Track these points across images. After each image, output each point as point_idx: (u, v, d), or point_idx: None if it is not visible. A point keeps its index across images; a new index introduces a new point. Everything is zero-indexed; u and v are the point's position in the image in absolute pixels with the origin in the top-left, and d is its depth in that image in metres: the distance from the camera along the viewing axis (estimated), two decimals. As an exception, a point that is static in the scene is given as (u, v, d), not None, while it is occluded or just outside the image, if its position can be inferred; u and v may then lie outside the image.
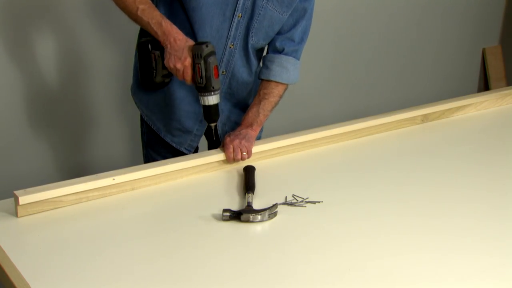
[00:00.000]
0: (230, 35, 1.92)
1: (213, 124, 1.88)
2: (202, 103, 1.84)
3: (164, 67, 1.85)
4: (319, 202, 1.70)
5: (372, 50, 3.75)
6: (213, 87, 1.81)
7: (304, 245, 1.50)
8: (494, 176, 1.92)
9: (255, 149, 1.94)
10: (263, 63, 2.04)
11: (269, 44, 2.03)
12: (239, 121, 2.03)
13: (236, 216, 1.57)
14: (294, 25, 1.99)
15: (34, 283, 1.30)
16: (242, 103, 2.10)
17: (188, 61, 1.79)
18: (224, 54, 1.95)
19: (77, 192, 1.64)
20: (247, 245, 1.50)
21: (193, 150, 2.10)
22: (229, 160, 1.88)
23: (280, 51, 2.01)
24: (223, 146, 1.91)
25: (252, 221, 1.57)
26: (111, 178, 1.69)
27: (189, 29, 1.90)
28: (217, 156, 1.89)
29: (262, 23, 1.94)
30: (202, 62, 1.78)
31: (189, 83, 1.83)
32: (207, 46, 1.78)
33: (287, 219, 1.61)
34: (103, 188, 1.68)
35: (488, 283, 1.36)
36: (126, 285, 1.32)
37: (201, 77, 1.79)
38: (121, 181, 1.70)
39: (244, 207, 1.63)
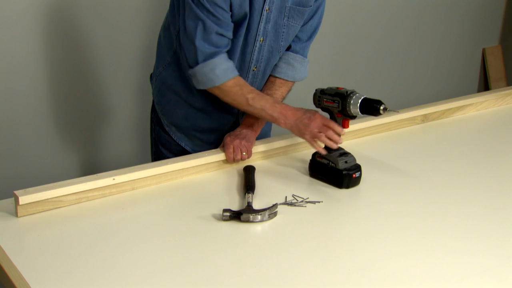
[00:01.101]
0: (252, 59, 1.93)
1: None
2: (359, 110, 1.74)
3: (332, 151, 1.80)
4: (319, 202, 1.70)
5: (372, 50, 3.75)
6: (346, 93, 1.75)
7: (304, 245, 1.50)
8: (494, 176, 1.92)
9: (255, 149, 1.94)
10: None
11: None
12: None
13: (236, 216, 1.57)
14: (303, 25, 1.99)
15: (34, 283, 1.30)
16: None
17: (317, 113, 1.78)
18: (248, 77, 1.96)
19: (77, 192, 1.64)
20: (247, 245, 1.50)
21: None
22: (229, 160, 1.88)
23: (287, 48, 2.02)
24: (223, 146, 1.91)
25: (252, 221, 1.57)
26: (111, 178, 1.69)
27: None
28: (217, 156, 1.89)
29: (288, 40, 1.96)
30: (326, 96, 1.79)
31: (341, 130, 1.78)
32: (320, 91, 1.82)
33: (287, 219, 1.61)
34: (103, 188, 1.68)
35: (488, 283, 1.36)
36: (125, 284, 1.32)
37: (336, 103, 1.77)
38: (121, 181, 1.71)
39: (244, 207, 1.63)
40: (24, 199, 1.56)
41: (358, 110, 1.74)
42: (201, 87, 1.87)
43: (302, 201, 1.69)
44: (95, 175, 1.69)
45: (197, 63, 1.82)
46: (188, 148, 2.07)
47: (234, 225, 1.56)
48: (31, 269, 1.35)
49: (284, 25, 1.92)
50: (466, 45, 4.19)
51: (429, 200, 1.74)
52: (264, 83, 2.03)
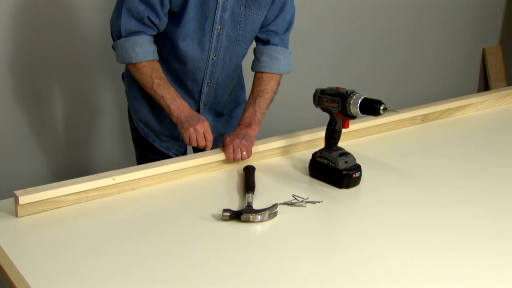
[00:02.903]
0: (211, 47, 1.94)
1: None
2: (359, 110, 1.74)
3: (332, 151, 1.81)
4: (319, 202, 1.70)
5: (372, 50, 3.75)
6: (346, 93, 1.75)
7: (304, 245, 1.50)
8: (494, 176, 1.92)
9: (255, 149, 1.94)
10: (254, 56, 2.06)
11: (255, 38, 2.05)
12: (224, 131, 2.05)
13: (236, 216, 1.57)
14: (274, 18, 2.01)
15: (34, 283, 1.29)
16: (221, 112, 2.14)
17: (205, 123, 1.86)
18: (208, 66, 1.97)
19: (77, 192, 1.64)
20: (247, 245, 1.50)
21: (181, 155, 2.12)
22: (229, 160, 1.88)
23: (267, 42, 2.03)
24: (223, 146, 1.91)
25: (252, 221, 1.57)
26: (111, 178, 1.69)
27: (170, 46, 1.93)
28: (217, 156, 1.89)
29: (246, 29, 1.97)
30: (326, 96, 1.80)
31: (210, 144, 1.89)
32: None
33: (287, 219, 1.61)
34: (103, 188, 1.68)
35: (488, 283, 1.36)
36: (126, 285, 1.32)
37: (336, 103, 1.78)
38: (121, 181, 1.70)
39: (244, 207, 1.63)
40: (24, 199, 1.56)
41: (358, 110, 1.74)
42: (120, 61, 1.92)
43: (302, 201, 1.69)
44: (95, 175, 1.69)
45: (119, 37, 1.88)
46: (156, 144, 2.11)
47: (234, 225, 1.56)
48: (31, 269, 1.35)
49: (242, 14, 1.93)
50: (466, 45, 4.19)
51: (429, 200, 1.74)
52: (253, 81, 2.04)
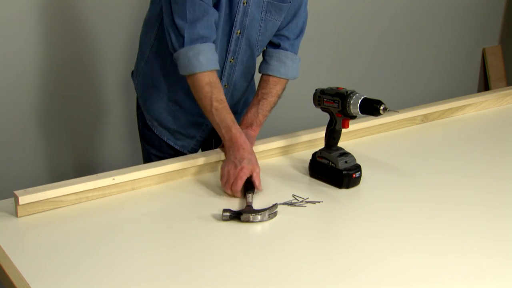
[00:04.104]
0: (229, 50, 1.94)
1: None
2: (359, 110, 1.73)
3: (332, 151, 1.81)
4: (319, 202, 1.70)
5: (372, 50, 3.75)
6: (346, 93, 1.75)
7: (304, 245, 1.50)
8: (494, 176, 1.92)
9: (255, 149, 1.93)
10: (263, 58, 2.06)
11: None
12: None
13: (236, 216, 1.57)
14: (288, 23, 2.00)
15: (34, 283, 1.29)
16: (238, 112, 2.13)
17: (244, 172, 1.70)
18: (225, 68, 1.97)
19: (77, 192, 1.64)
20: (247, 245, 1.50)
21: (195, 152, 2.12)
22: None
23: (277, 46, 2.03)
24: (223, 146, 1.91)
25: (252, 221, 1.57)
26: (111, 178, 1.69)
27: None
28: (217, 156, 1.89)
29: (265, 35, 1.97)
30: (326, 96, 1.80)
31: (236, 194, 1.71)
32: None
33: (287, 219, 1.61)
34: (103, 188, 1.68)
35: (488, 283, 1.36)
36: (125, 284, 1.32)
37: (336, 103, 1.77)
38: (121, 181, 1.71)
39: (244, 207, 1.63)
40: (24, 199, 1.56)
41: (358, 110, 1.74)
42: (182, 73, 1.82)
43: (302, 201, 1.69)
44: (95, 175, 1.69)
45: (182, 45, 1.80)
46: (171, 143, 2.08)
47: (234, 225, 1.56)
48: (31, 269, 1.35)
49: (262, 20, 1.93)
50: (466, 45, 4.19)
51: (429, 200, 1.74)
52: (259, 83, 2.04)
